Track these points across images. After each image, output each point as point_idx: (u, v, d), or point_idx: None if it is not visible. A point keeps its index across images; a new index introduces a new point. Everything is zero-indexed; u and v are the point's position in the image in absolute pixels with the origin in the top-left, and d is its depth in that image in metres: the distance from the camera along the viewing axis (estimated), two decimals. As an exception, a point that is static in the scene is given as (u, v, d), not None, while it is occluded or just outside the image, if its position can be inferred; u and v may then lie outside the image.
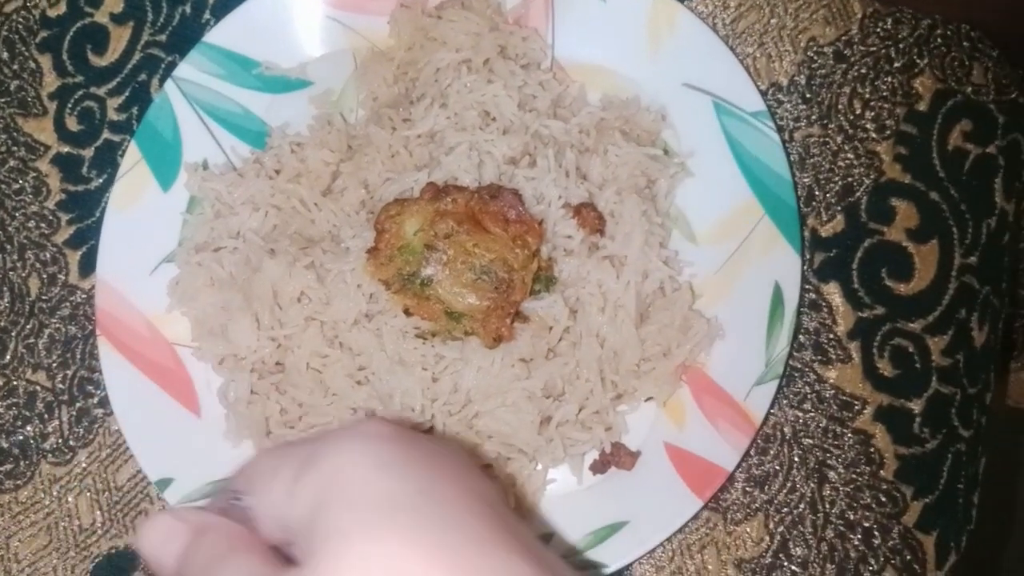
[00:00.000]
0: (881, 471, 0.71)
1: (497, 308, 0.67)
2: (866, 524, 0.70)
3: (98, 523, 0.75)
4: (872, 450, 0.71)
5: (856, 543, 0.70)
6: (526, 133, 0.74)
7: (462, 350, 0.69)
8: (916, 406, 0.71)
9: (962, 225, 0.74)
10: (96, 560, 0.75)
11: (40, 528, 0.76)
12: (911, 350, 0.72)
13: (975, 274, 0.74)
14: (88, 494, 0.76)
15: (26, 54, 0.86)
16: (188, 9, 0.85)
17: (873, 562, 0.69)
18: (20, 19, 0.87)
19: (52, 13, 0.87)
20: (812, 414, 0.72)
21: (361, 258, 0.69)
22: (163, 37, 0.85)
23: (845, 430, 0.71)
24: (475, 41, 0.77)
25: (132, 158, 0.77)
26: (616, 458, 0.71)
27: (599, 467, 0.72)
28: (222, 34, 0.80)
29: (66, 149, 0.84)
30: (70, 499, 0.76)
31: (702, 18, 0.78)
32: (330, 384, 0.70)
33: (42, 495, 0.76)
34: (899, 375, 0.72)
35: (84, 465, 0.77)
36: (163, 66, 0.84)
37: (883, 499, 0.70)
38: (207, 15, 0.84)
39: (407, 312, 0.69)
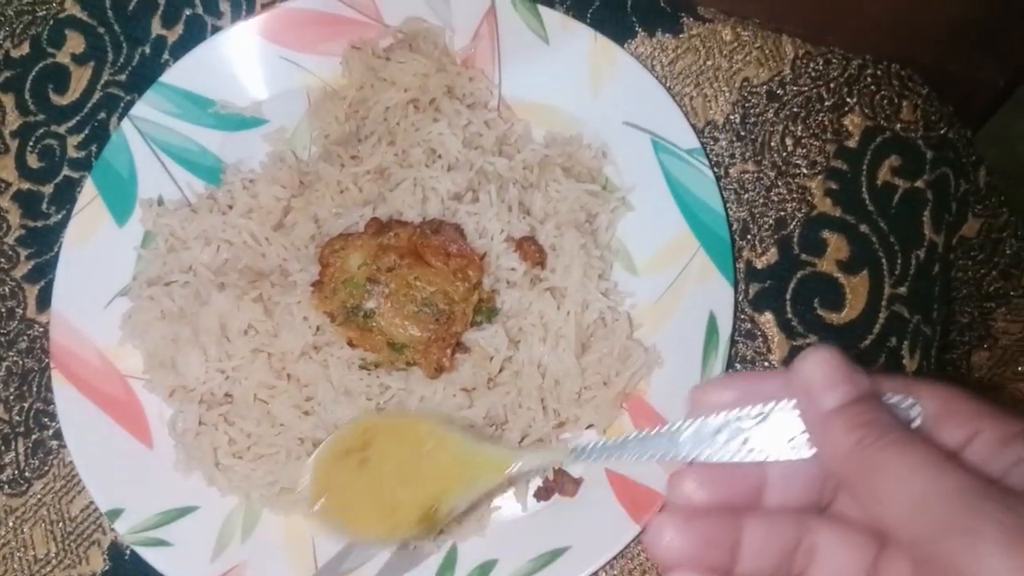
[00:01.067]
0: (816, 496, 0.72)
1: (438, 339, 0.70)
2: (801, 548, 0.71)
3: (52, 554, 0.77)
4: (806, 475, 0.73)
5: None
6: (471, 170, 0.76)
7: (406, 380, 0.71)
8: (849, 432, 0.73)
9: (891, 256, 0.77)
10: (48, 591, 0.76)
11: (-5, 559, 0.77)
12: (843, 377, 0.74)
13: (905, 304, 0.76)
14: (43, 525, 0.77)
15: (-11, 94, 0.88)
16: (148, 50, 0.88)
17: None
18: (-16, 60, 0.89)
19: (15, 53, 0.89)
20: (748, 440, 0.74)
21: (307, 291, 0.72)
22: (123, 77, 0.87)
23: (779, 456, 0.73)
24: (422, 81, 0.80)
25: (88, 194, 0.79)
26: (559, 485, 0.73)
27: (543, 494, 0.74)
28: (178, 74, 0.82)
29: (27, 186, 0.86)
30: (25, 530, 0.77)
31: (641, 60, 0.81)
32: (277, 415, 0.72)
33: (-3, 526, 0.78)
34: (831, 402, 0.74)
35: (39, 496, 0.78)
36: (122, 105, 0.86)
37: (818, 523, 0.72)
38: (166, 55, 0.87)
39: (351, 344, 0.71)
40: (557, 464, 0.73)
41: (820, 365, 0.40)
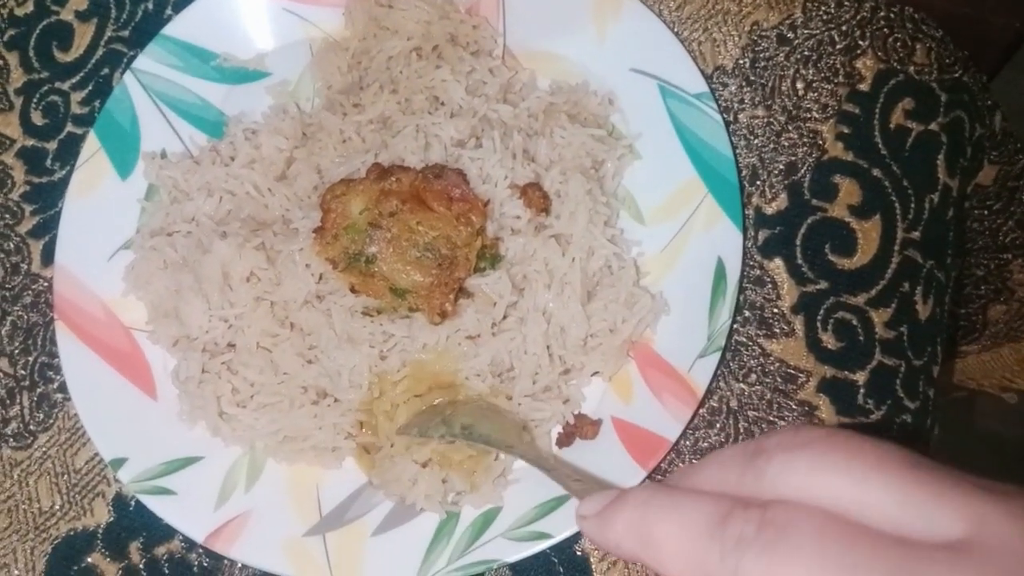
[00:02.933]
0: (827, 444, 0.71)
1: (440, 284, 0.69)
2: (812, 496, 0.70)
3: (57, 506, 0.76)
4: (816, 421, 0.71)
5: (803, 515, 0.70)
6: (474, 117, 0.75)
7: (409, 328, 0.70)
8: (860, 378, 0.72)
9: (904, 200, 0.75)
10: (55, 542, 0.76)
11: (0, 511, 0.77)
12: (854, 323, 0.73)
13: (918, 248, 0.75)
14: (48, 477, 0.77)
15: (-7, 51, 0.88)
16: (150, 5, 0.87)
17: (820, 533, 0.70)
18: (-13, 18, 0.89)
19: (19, 12, 0.89)
20: (757, 387, 0.73)
21: (309, 238, 0.71)
22: (126, 32, 0.87)
23: (789, 402, 0.72)
24: (425, 29, 0.79)
25: (91, 148, 0.79)
26: (580, 429, 0.72)
27: (564, 440, 0.72)
28: (180, 27, 0.82)
29: (31, 142, 0.86)
30: (30, 482, 0.77)
31: (647, 5, 0.79)
32: (280, 363, 0.71)
33: (3, 479, 0.77)
34: (843, 348, 0.73)
35: (44, 449, 0.78)
36: (126, 60, 0.86)
37: (829, 471, 0.71)
38: (169, 10, 0.87)
39: (353, 290, 0.70)
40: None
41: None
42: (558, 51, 0.81)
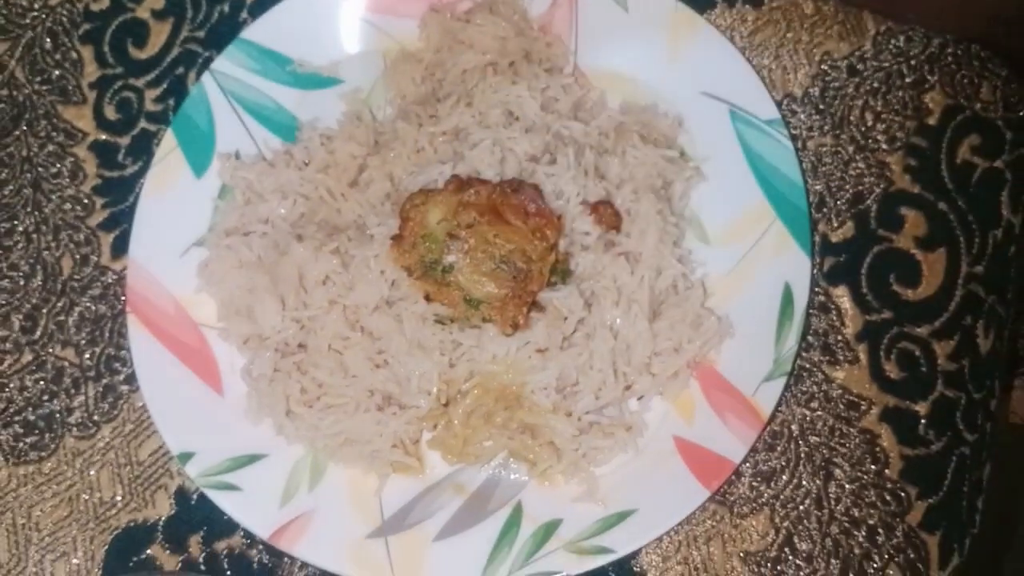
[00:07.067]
0: (886, 470, 0.72)
1: (515, 297, 0.70)
2: (871, 522, 0.71)
3: (118, 497, 0.77)
4: (878, 449, 0.72)
5: (860, 540, 0.71)
6: (547, 133, 0.77)
7: (479, 337, 0.71)
8: (921, 408, 0.73)
9: (969, 235, 0.76)
10: (115, 533, 0.76)
11: (62, 500, 0.78)
12: (917, 354, 0.74)
13: (981, 283, 0.76)
14: (110, 468, 0.78)
15: (68, 45, 0.89)
16: (226, 8, 0.88)
17: (877, 559, 0.71)
18: (64, 12, 0.90)
19: (95, 7, 0.91)
20: (819, 413, 0.73)
21: (385, 245, 0.72)
22: (201, 33, 0.88)
23: (851, 429, 0.73)
24: (501, 45, 0.80)
25: (168, 145, 0.80)
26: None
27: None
28: (259, 31, 0.83)
29: (103, 136, 0.87)
30: (92, 472, 0.78)
31: (721, 30, 0.81)
32: (350, 366, 0.72)
33: (65, 467, 0.78)
34: (905, 378, 0.74)
35: (107, 440, 0.79)
36: (200, 61, 0.87)
37: (888, 498, 0.72)
38: (244, 14, 0.88)
39: (427, 298, 0.71)
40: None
41: None
42: (627, 71, 0.82)
